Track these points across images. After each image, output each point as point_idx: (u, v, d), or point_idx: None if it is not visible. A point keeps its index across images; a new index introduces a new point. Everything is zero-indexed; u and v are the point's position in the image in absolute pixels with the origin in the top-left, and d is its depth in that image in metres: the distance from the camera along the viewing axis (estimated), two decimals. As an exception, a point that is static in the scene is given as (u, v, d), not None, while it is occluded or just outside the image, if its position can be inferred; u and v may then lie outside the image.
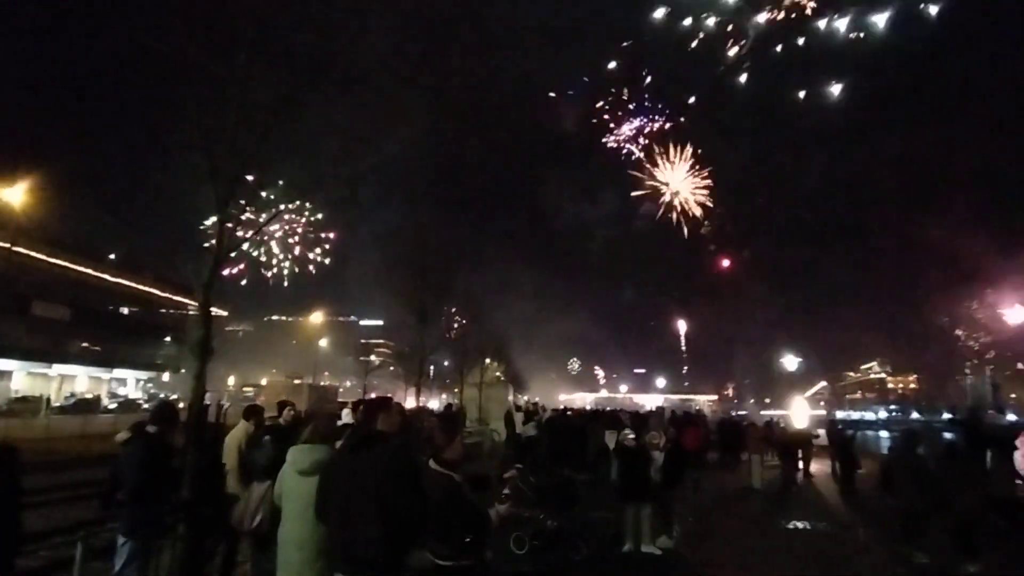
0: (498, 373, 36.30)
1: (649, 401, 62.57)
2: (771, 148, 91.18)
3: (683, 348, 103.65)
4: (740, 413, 52.33)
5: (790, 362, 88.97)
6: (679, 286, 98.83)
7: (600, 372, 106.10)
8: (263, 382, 50.88)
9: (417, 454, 3.71)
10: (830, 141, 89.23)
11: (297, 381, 41.91)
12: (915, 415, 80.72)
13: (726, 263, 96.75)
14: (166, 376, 54.50)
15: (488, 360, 31.21)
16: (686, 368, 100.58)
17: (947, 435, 17.09)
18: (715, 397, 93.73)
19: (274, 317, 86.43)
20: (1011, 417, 62.95)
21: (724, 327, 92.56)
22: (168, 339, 51.58)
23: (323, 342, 63.92)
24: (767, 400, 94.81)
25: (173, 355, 51.22)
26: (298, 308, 75.51)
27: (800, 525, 9.73)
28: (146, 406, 36.02)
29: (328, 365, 71.41)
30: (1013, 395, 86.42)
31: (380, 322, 73.93)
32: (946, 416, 61.53)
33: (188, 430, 4.97)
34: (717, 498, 11.71)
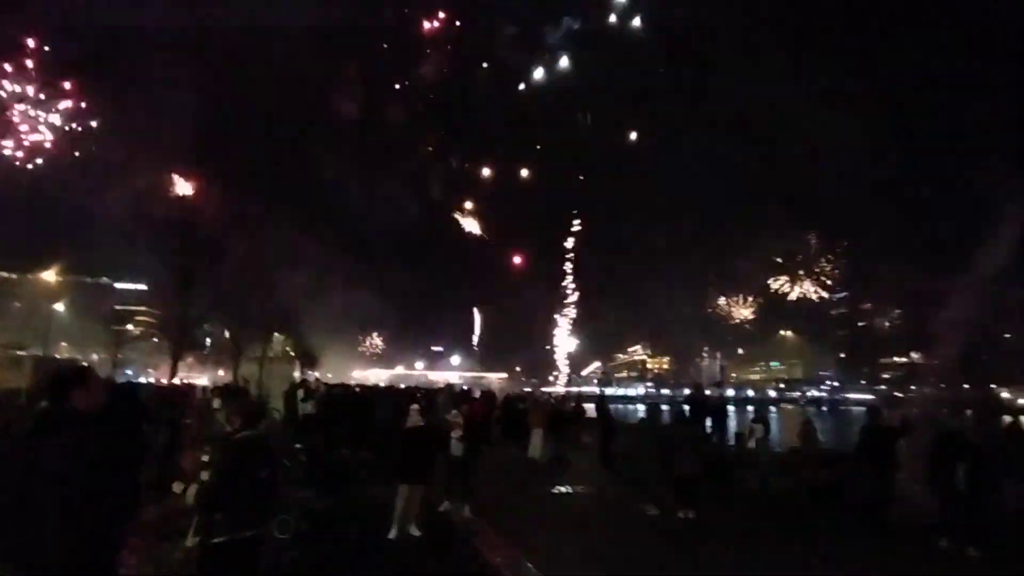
0: (287, 348, 33.82)
1: (445, 378, 63.98)
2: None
3: (477, 328, 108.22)
4: (526, 390, 56.77)
5: (570, 344, 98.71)
6: (474, 271, 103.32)
7: (397, 349, 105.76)
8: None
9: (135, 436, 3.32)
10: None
11: (21, 353, 34.00)
12: (665, 391, 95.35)
13: (518, 260, 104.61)
14: None
15: (275, 334, 28.78)
16: (488, 348, 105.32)
17: (686, 407, 20.28)
18: (505, 375, 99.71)
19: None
20: (729, 392, 78.33)
21: (515, 311, 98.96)
22: None
23: (60, 306, 52.46)
24: (550, 378, 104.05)
25: None
26: (28, 263, 60.96)
27: (565, 489, 10.69)
28: None
29: (69, 334, 59.17)
30: (734, 374, 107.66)
31: (142, 286, 63.41)
32: (686, 391, 73.98)
33: None
34: (497, 470, 12.31)
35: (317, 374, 37.66)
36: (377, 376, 79.24)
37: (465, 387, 23.65)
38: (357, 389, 19.19)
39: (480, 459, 9.83)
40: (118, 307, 63.99)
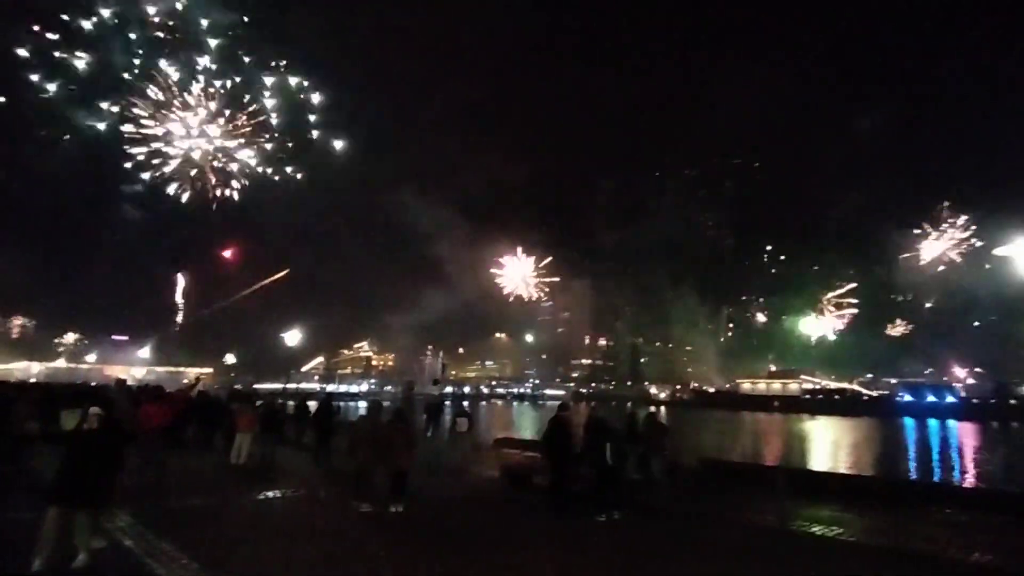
0: None
1: (128, 373, 53.55)
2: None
3: (178, 316, 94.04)
4: (236, 387, 51.09)
5: (292, 337, 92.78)
6: (182, 252, 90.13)
7: (56, 336, 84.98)
8: None
9: None
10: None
11: None
12: (389, 388, 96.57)
13: (228, 253, 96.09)
14: None
15: None
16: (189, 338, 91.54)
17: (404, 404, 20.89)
18: (210, 370, 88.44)
19: None
20: (448, 389, 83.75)
21: (225, 301, 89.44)
22: None
23: None
24: (269, 375, 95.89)
25: None
26: None
27: (273, 494, 9.93)
28: None
29: None
30: (454, 372, 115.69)
31: None
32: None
33: None
34: (194, 479, 10.82)
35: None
36: (26, 371, 62.74)
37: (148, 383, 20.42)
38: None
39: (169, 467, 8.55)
40: None
